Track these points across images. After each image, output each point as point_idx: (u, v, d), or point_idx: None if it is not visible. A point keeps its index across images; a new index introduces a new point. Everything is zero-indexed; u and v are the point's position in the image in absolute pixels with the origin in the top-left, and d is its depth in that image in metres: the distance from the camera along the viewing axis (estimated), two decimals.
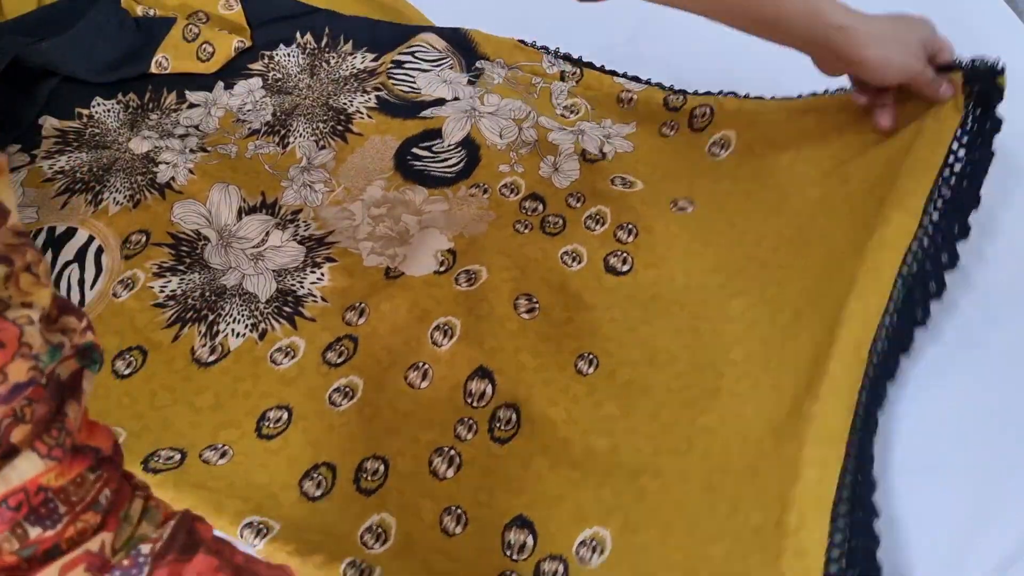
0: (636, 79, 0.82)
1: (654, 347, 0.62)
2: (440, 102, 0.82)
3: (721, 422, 0.56)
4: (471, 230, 0.72)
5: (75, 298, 0.68)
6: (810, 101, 0.70)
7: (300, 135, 0.81)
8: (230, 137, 0.81)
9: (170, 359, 0.64)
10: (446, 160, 0.78)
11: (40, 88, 0.81)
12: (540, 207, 0.74)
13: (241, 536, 0.53)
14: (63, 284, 0.69)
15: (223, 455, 0.58)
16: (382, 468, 0.58)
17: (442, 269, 0.69)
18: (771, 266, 0.64)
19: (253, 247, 0.72)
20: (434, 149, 0.78)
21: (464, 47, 0.86)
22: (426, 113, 0.81)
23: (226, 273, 0.70)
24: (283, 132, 0.81)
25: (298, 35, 0.89)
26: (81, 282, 0.69)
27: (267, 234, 0.72)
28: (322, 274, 0.69)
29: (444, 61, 0.85)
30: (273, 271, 0.70)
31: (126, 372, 0.63)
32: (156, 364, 0.64)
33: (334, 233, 0.73)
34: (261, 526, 0.53)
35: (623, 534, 0.53)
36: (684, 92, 0.79)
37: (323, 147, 0.80)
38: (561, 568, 0.53)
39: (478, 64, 0.85)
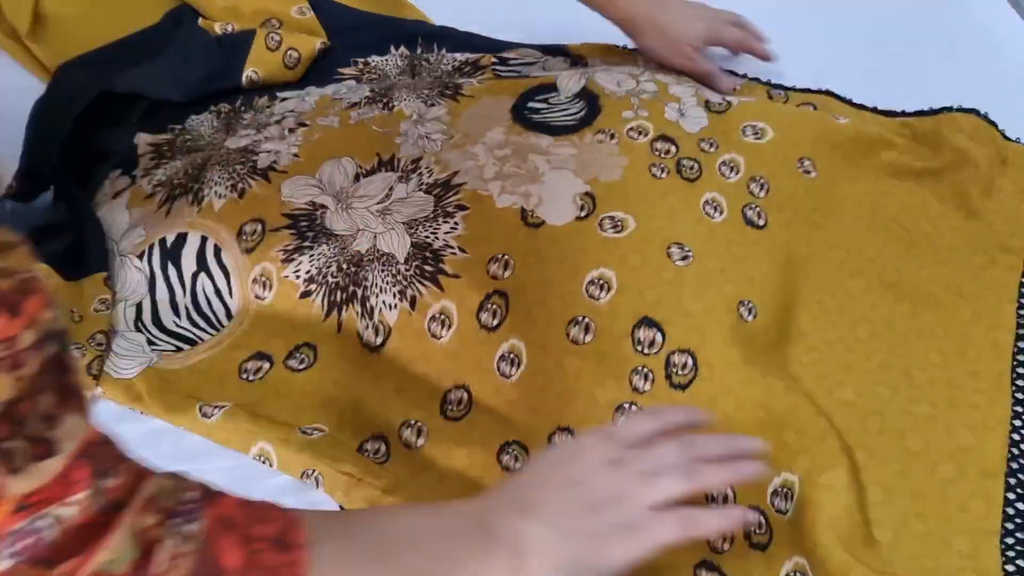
0: (733, 73, 0.86)
1: (791, 319, 0.67)
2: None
3: (858, 396, 0.63)
4: (606, 175, 0.69)
5: (219, 311, 0.65)
6: (908, 123, 0.81)
7: (405, 99, 0.76)
8: (329, 111, 0.76)
9: (341, 348, 0.63)
10: (566, 110, 0.75)
11: (132, 112, 0.77)
12: (673, 149, 0.72)
13: None
14: (201, 300, 0.65)
15: (419, 433, 0.60)
16: (570, 439, 0.59)
17: (583, 214, 0.66)
18: (885, 255, 0.71)
19: (377, 203, 0.68)
20: (551, 101, 0.75)
21: (559, 51, 0.86)
22: (535, 73, 0.79)
23: (356, 237, 0.66)
24: (385, 100, 0.76)
25: (392, 47, 0.86)
26: (218, 292, 0.66)
27: (391, 189, 0.69)
28: (456, 223, 0.66)
29: (544, 58, 0.85)
30: (403, 223, 0.66)
31: (301, 367, 0.63)
32: (330, 356, 0.63)
33: (459, 174, 0.69)
34: None
35: (809, 478, 0.57)
36: (784, 87, 0.84)
37: (432, 105, 0.75)
38: (763, 520, 0.57)
39: (575, 58, 0.85)
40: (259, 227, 0.67)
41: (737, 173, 0.72)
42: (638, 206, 0.67)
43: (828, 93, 0.84)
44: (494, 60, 0.84)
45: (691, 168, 0.70)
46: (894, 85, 0.86)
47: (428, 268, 0.64)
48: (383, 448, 0.59)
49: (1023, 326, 0.66)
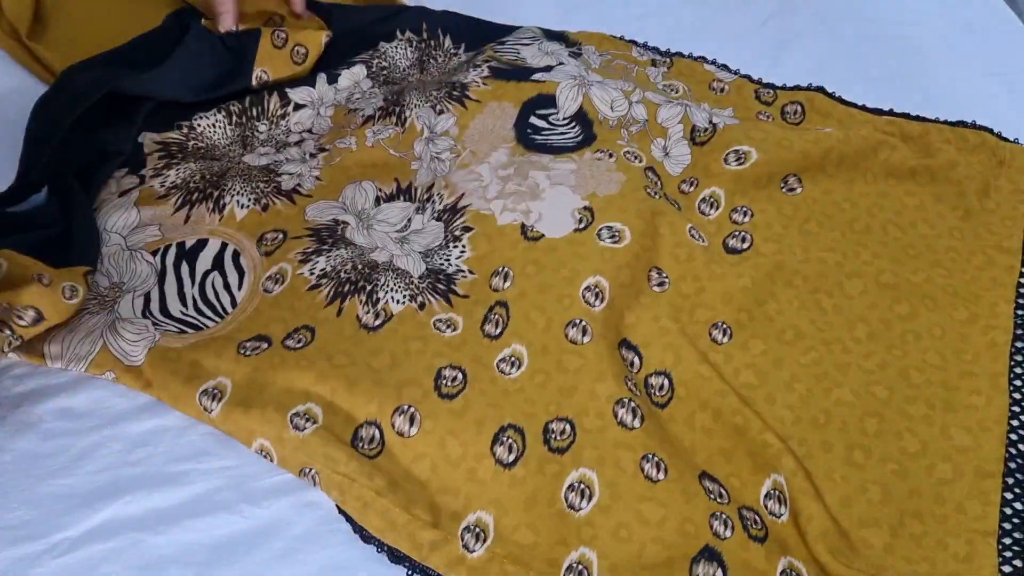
0: (726, 68, 0.88)
1: (781, 324, 0.67)
2: (548, 68, 0.82)
3: (856, 396, 0.63)
4: (604, 190, 0.72)
5: (225, 300, 0.66)
6: (895, 123, 0.82)
7: (415, 106, 0.79)
8: (346, 130, 0.78)
9: (339, 329, 0.64)
10: (565, 134, 0.78)
11: (137, 114, 0.77)
12: (659, 184, 0.76)
13: (462, 540, 0.55)
14: (208, 292, 0.67)
15: (412, 420, 0.60)
16: (568, 428, 0.60)
17: (582, 226, 0.69)
18: (883, 257, 0.72)
19: (396, 231, 0.72)
20: (551, 120, 0.78)
21: (555, 35, 0.88)
22: (537, 76, 0.81)
23: (374, 251, 0.69)
24: (398, 110, 0.79)
25: (398, 32, 0.87)
26: (227, 286, 0.67)
27: (408, 220, 0.72)
28: (464, 247, 0.70)
29: (540, 43, 0.87)
30: (420, 252, 0.70)
31: (298, 346, 0.63)
32: (327, 336, 0.64)
33: (465, 196, 0.73)
34: (478, 529, 0.56)
35: (794, 478, 0.58)
36: (773, 86, 0.85)
37: (441, 111, 0.78)
38: (758, 519, 0.57)
39: (572, 42, 0.88)
40: (280, 236, 0.70)
41: (717, 208, 0.75)
42: (634, 219, 0.70)
43: (818, 90, 0.85)
44: (494, 47, 0.86)
45: (674, 205, 0.75)
46: (892, 85, 0.86)
47: (441, 287, 0.67)
48: (376, 435, 0.59)
49: (1021, 327, 0.67)
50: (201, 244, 0.69)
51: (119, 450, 0.59)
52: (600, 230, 0.69)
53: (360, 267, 0.67)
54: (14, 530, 0.54)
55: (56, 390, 0.61)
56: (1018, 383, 0.64)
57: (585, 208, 0.70)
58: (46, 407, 0.60)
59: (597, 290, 0.66)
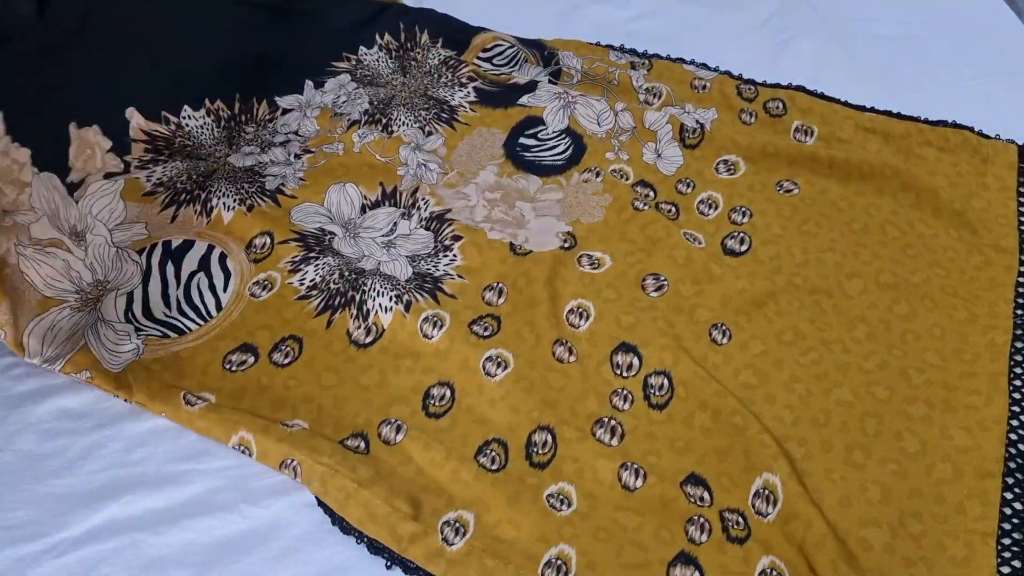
0: (705, 66, 0.89)
1: (780, 325, 0.67)
2: (532, 85, 0.84)
3: (855, 396, 0.63)
4: (588, 218, 0.75)
5: (209, 302, 0.67)
6: (877, 120, 0.82)
7: (403, 123, 0.80)
8: (333, 136, 0.79)
9: (328, 343, 0.65)
10: (554, 148, 0.80)
11: None
12: (651, 194, 0.77)
13: (441, 534, 0.55)
14: (193, 293, 0.67)
15: (398, 430, 0.61)
16: (550, 439, 0.61)
17: (567, 246, 0.72)
18: (882, 257, 0.72)
19: (383, 236, 0.73)
20: (540, 136, 0.81)
21: (532, 43, 0.89)
22: (523, 101, 0.83)
23: (361, 260, 0.71)
24: (385, 121, 0.80)
25: (377, 36, 0.88)
26: (212, 287, 0.68)
27: (395, 224, 0.74)
28: (454, 255, 0.71)
29: (519, 56, 0.88)
30: (407, 257, 0.71)
31: (286, 361, 0.64)
32: (315, 349, 0.65)
33: (452, 211, 0.75)
34: (458, 524, 0.56)
35: (790, 481, 0.58)
36: (753, 83, 0.86)
37: (430, 133, 0.80)
38: (741, 520, 0.57)
39: (549, 52, 0.88)
40: (268, 240, 0.71)
41: (716, 208, 0.77)
42: (616, 245, 0.72)
43: (799, 88, 0.85)
44: (478, 56, 0.87)
45: (669, 211, 0.76)
46: (892, 85, 0.86)
47: (427, 286, 0.69)
48: (362, 445, 0.60)
49: (1020, 327, 0.67)
50: (187, 245, 0.70)
51: (119, 450, 0.59)
52: (580, 257, 0.71)
53: (347, 274, 0.69)
54: (14, 530, 0.54)
55: (56, 390, 0.62)
56: (1018, 383, 0.63)
57: (568, 233, 0.73)
58: (46, 407, 0.61)
59: (581, 310, 0.68)
